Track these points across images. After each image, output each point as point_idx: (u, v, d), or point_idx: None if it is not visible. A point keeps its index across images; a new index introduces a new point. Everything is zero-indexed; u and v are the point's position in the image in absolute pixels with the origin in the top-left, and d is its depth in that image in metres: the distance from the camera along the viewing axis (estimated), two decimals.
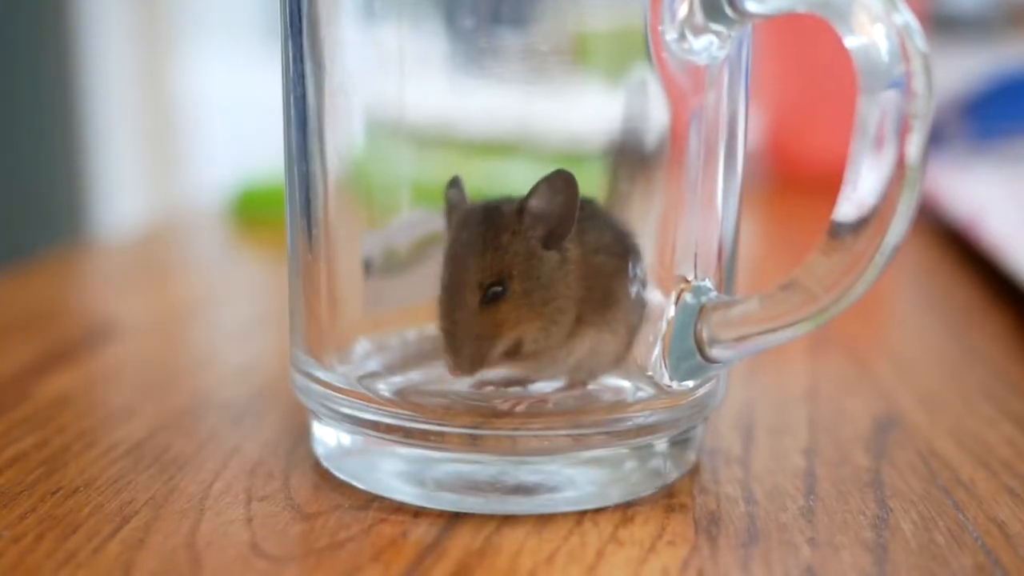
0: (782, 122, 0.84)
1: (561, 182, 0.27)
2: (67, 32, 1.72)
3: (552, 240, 0.27)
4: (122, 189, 1.82)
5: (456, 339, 0.28)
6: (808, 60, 0.80)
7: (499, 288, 0.27)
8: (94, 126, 1.77)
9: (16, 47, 1.66)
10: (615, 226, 0.29)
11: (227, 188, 0.72)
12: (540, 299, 0.27)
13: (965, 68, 0.86)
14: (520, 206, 0.27)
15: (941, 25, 1.08)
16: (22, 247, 0.92)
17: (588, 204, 0.28)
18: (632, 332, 0.29)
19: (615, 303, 0.28)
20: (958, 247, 0.60)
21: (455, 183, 0.28)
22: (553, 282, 0.27)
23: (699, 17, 0.27)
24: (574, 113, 0.28)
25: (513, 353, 0.28)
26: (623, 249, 0.28)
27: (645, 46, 0.27)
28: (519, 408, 0.28)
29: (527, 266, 0.27)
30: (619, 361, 0.29)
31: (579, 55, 0.28)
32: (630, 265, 0.28)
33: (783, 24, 0.77)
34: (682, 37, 0.27)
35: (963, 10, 1.38)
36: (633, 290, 0.29)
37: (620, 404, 0.29)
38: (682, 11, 0.27)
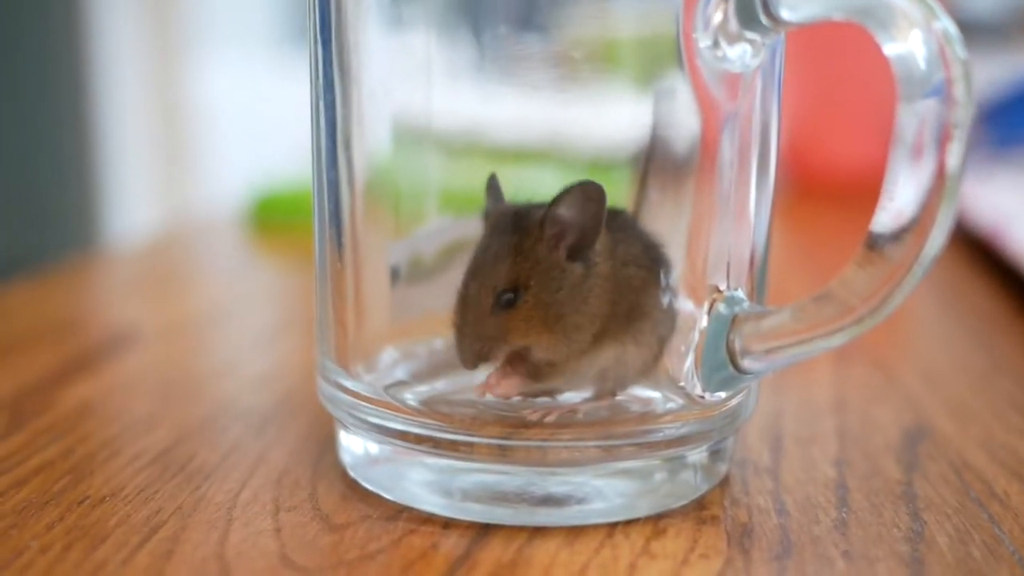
0: (801, 129, 0.84)
1: (589, 192, 0.27)
2: (80, 41, 1.73)
3: (577, 251, 0.27)
4: (136, 196, 1.82)
5: (463, 335, 0.28)
6: (827, 67, 0.80)
7: (511, 295, 0.27)
8: (108, 133, 1.77)
9: (29, 56, 1.67)
10: (644, 237, 0.28)
11: (243, 194, 0.72)
12: (554, 314, 0.27)
13: (983, 74, 0.86)
14: (545, 214, 0.27)
15: (960, 30, 1.08)
16: (37, 255, 0.92)
17: (617, 215, 0.28)
18: (661, 343, 0.28)
19: (642, 315, 0.28)
20: (982, 256, 0.60)
21: (492, 182, 0.28)
22: (571, 297, 0.27)
23: (733, 25, 0.26)
24: (604, 120, 0.28)
25: (524, 360, 0.28)
26: (652, 261, 0.28)
27: (676, 53, 0.27)
28: (549, 419, 0.27)
29: (545, 278, 0.27)
30: (647, 372, 0.29)
31: (609, 62, 0.27)
32: (659, 277, 0.28)
33: (805, 31, 0.77)
34: (716, 45, 0.27)
35: (979, 15, 1.38)
36: (663, 302, 0.28)
37: (650, 415, 0.28)
38: (716, 18, 0.26)
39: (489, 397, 0.29)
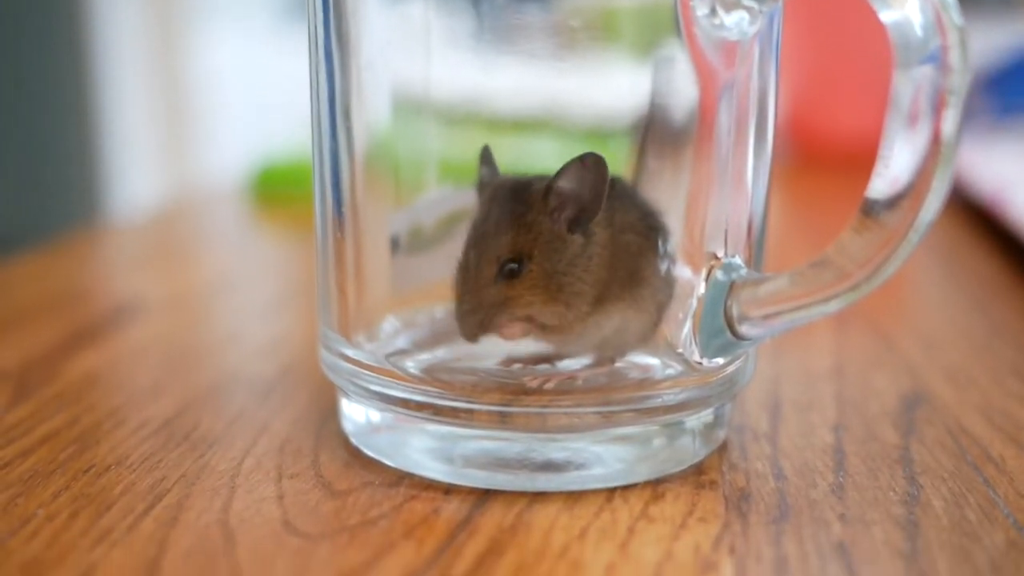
0: (803, 98, 0.83)
1: (590, 164, 0.27)
2: (81, 14, 1.72)
3: (578, 222, 0.27)
4: (140, 169, 1.82)
5: (464, 305, 0.28)
6: (829, 36, 0.80)
7: (515, 266, 0.27)
8: (111, 106, 1.77)
9: (31, 30, 1.67)
10: (642, 204, 0.29)
11: (245, 166, 0.72)
12: (556, 284, 0.27)
13: (986, 42, 0.86)
14: (548, 186, 0.27)
15: None
16: (41, 228, 0.92)
17: (615, 183, 0.28)
18: (660, 309, 0.29)
19: (642, 281, 0.28)
20: (982, 222, 0.60)
21: (486, 154, 0.28)
22: (572, 267, 0.27)
23: None
24: (602, 89, 0.28)
25: (530, 321, 0.28)
26: (650, 227, 0.28)
27: (673, 21, 0.27)
28: (548, 386, 0.28)
29: (548, 249, 0.27)
30: (646, 338, 0.29)
31: (607, 31, 0.27)
32: (658, 243, 0.28)
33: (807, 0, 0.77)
34: (713, 12, 0.27)
35: None
36: (661, 268, 0.29)
37: (649, 381, 0.29)
38: None
39: (489, 364, 0.29)
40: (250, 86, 1.85)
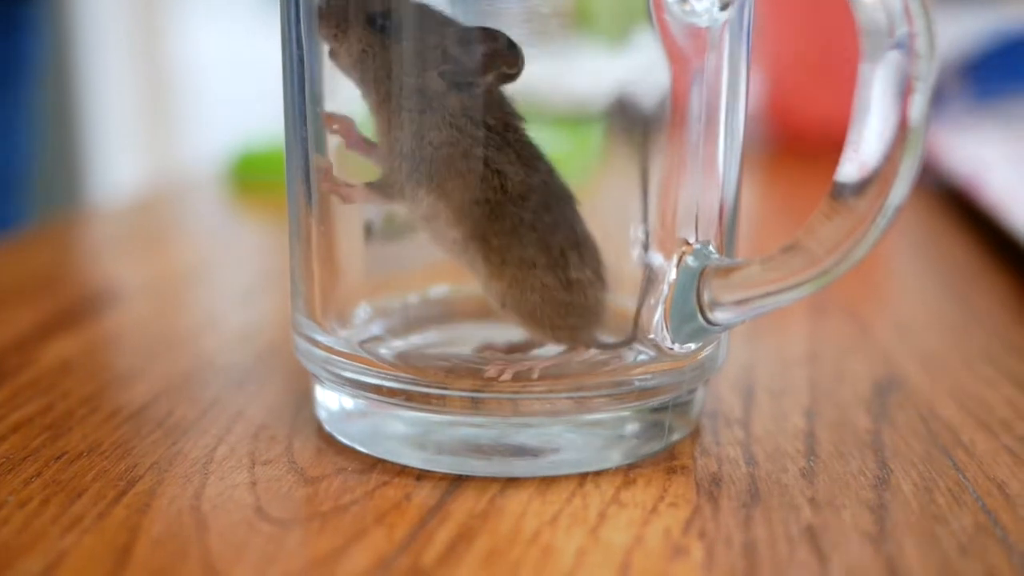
0: (781, 85, 0.84)
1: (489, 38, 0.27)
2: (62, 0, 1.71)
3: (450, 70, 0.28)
4: (118, 154, 1.81)
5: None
6: (807, 23, 0.80)
7: (383, 23, 0.27)
8: (89, 92, 1.76)
9: (7, 13, 1.65)
10: (566, 219, 0.29)
11: (224, 152, 0.72)
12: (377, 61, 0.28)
13: (964, 27, 0.86)
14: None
15: None
16: (19, 214, 0.91)
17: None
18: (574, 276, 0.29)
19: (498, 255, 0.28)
20: (958, 207, 0.60)
21: None
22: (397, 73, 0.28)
23: None
24: (574, 75, 0.28)
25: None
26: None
27: (645, 7, 0.27)
28: (504, 377, 0.28)
29: (411, 47, 0.27)
30: (569, 308, 0.29)
31: (579, 17, 0.28)
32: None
33: None
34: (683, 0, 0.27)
35: None
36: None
37: (621, 367, 0.29)
38: None
39: (462, 350, 0.29)
40: (231, 72, 1.84)
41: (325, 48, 0.28)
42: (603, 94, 0.29)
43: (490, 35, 0.27)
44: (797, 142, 0.83)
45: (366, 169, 0.29)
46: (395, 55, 0.27)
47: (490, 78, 0.27)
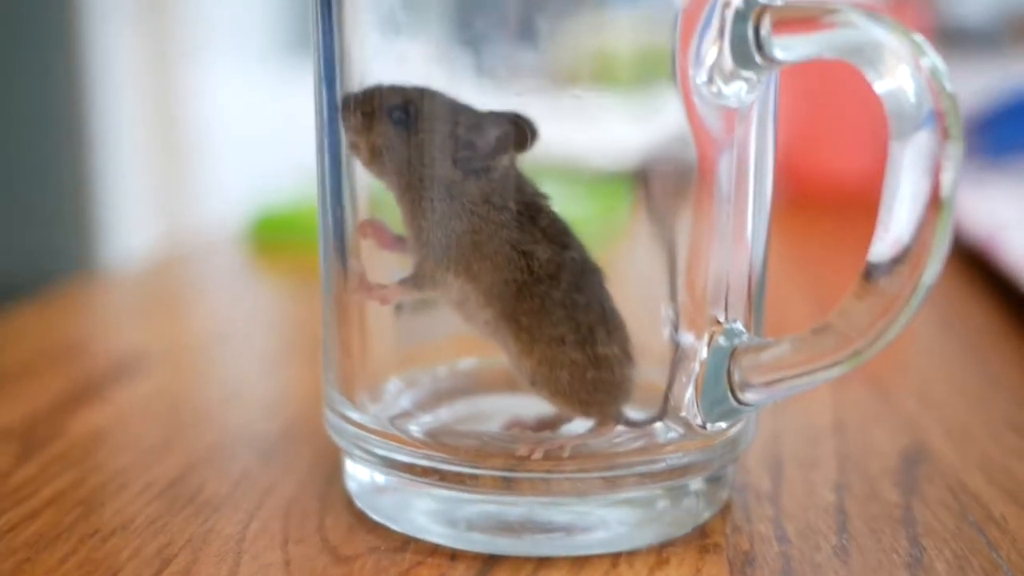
0: (794, 141, 0.84)
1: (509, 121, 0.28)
2: (76, 57, 1.73)
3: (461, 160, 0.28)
4: (135, 214, 1.82)
5: (364, 97, 0.28)
6: (821, 79, 0.80)
7: (402, 115, 0.28)
8: (105, 151, 1.77)
9: (24, 70, 1.67)
10: (594, 294, 0.29)
11: (243, 213, 0.72)
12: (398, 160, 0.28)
13: (974, 83, 0.86)
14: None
15: (947, 38, 1.08)
16: (36, 276, 0.92)
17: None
18: (597, 350, 0.29)
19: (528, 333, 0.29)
20: (975, 267, 0.60)
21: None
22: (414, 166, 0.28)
23: (728, 63, 0.27)
24: (602, 141, 0.28)
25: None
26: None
27: (671, 76, 0.28)
28: (535, 455, 0.28)
29: (431, 134, 0.28)
30: (597, 384, 0.29)
31: (606, 82, 0.28)
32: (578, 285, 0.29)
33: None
34: (711, 81, 0.27)
35: (969, 23, 1.38)
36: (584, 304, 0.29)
37: (651, 446, 0.29)
38: (711, 56, 0.27)
39: (491, 427, 0.30)
40: (248, 127, 1.85)
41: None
42: (630, 165, 0.29)
43: (500, 118, 0.27)
44: (807, 196, 0.83)
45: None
46: (412, 146, 0.28)
47: (505, 160, 0.28)
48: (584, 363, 0.29)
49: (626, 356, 0.29)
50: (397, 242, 0.29)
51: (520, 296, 0.28)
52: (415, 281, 0.29)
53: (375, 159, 0.28)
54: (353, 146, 0.29)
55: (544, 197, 0.29)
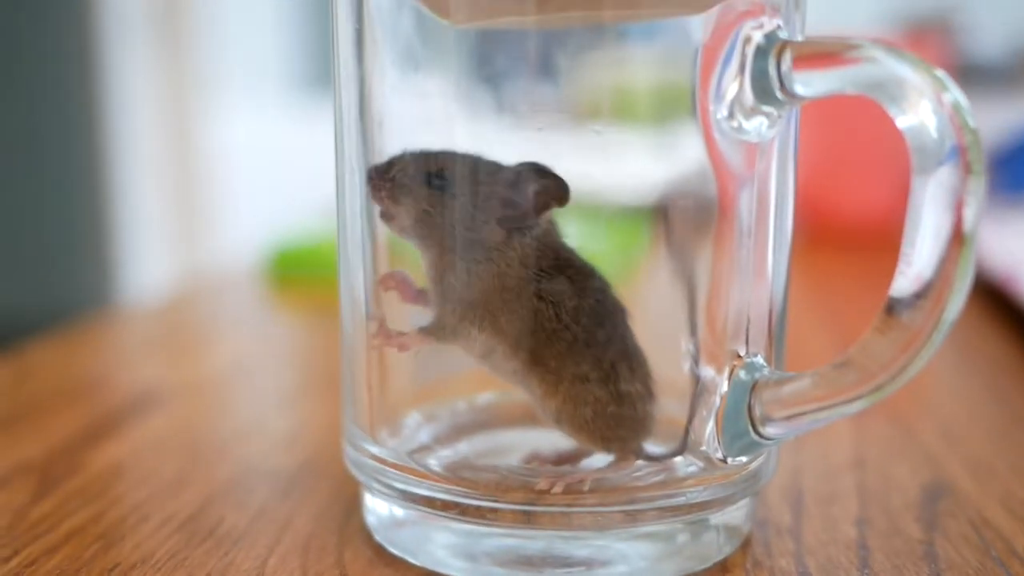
0: (811, 175, 0.84)
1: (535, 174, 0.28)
2: (95, 94, 1.74)
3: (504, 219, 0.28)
4: (152, 251, 1.83)
5: (393, 164, 0.28)
6: (839, 114, 0.80)
7: (441, 181, 0.28)
8: (123, 187, 1.79)
9: (43, 109, 1.68)
10: (616, 332, 0.29)
11: (260, 247, 0.72)
12: (437, 230, 0.28)
13: (992, 119, 0.86)
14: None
15: (967, 75, 1.09)
16: (53, 312, 0.92)
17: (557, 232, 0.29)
18: (622, 388, 0.29)
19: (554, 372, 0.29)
20: (996, 304, 0.60)
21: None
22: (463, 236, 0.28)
23: (749, 98, 0.27)
24: (622, 176, 0.28)
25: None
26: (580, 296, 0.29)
27: (691, 112, 0.28)
28: (556, 489, 0.28)
29: (467, 199, 0.28)
30: (620, 420, 0.29)
31: (625, 118, 0.28)
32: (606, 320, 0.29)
33: None
34: (731, 116, 0.27)
35: (987, 59, 1.38)
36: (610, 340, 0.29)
37: (672, 480, 0.29)
38: (731, 91, 0.27)
39: (511, 460, 0.29)
40: (265, 162, 1.86)
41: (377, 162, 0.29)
42: (650, 200, 0.29)
43: (538, 171, 0.28)
44: (828, 232, 0.83)
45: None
46: (454, 211, 0.28)
47: (548, 215, 0.28)
48: (607, 399, 0.29)
49: (648, 392, 0.29)
50: (419, 295, 0.29)
51: (547, 342, 0.28)
52: (436, 332, 0.29)
53: (414, 227, 0.28)
54: (387, 216, 0.29)
55: (568, 245, 0.29)
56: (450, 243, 0.28)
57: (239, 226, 1.80)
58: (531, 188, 0.28)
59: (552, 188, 0.28)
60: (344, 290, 0.30)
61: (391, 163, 0.28)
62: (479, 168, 0.28)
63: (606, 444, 0.29)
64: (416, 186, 0.28)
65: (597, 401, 0.28)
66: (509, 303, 0.28)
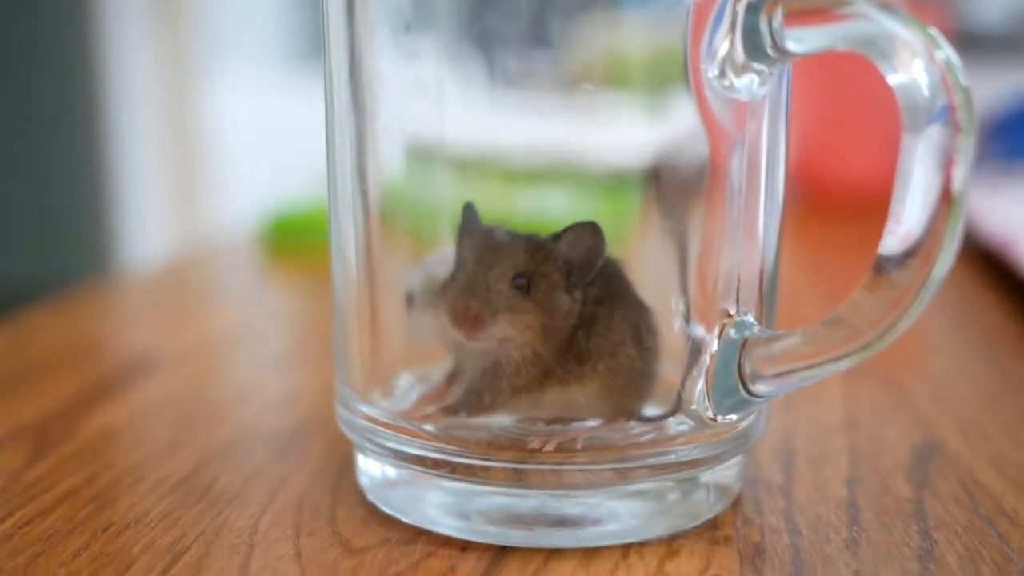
0: (809, 141, 0.84)
1: (590, 232, 0.28)
2: (92, 64, 1.74)
3: (568, 284, 0.28)
4: (150, 218, 1.83)
5: (467, 300, 0.27)
6: (835, 80, 0.80)
7: (524, 282, 0.28)
8: (121, 156, 1.78)
9: (41, 80, 1.68)
10: (627, 294, 0.29)
11: (257, 215, 0.72)
12: (545, 322, 0.28)
13: (991, 87, 0.86)
14: (556, 235, 0.28)
15: (966, 42, 1.08)
16: (52, 279, 0.92)
17: (611, 264, 0.29)
18: (617, 385, 0.29)
19: (589, 359, 0.29)
20: (991, 268, 0.60)
21: (469, 209, 0.29)
22: (558, 318, 0.28)
23: (740, 56, 0.27)
24: (614, 141, 0.28)
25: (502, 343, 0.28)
26: (620, 302, 0.29)
27: (683, 73, 0.28)
28: (548, 447, 0.28)
29: (549, 283, 0.28)
30: (606, 407, 0.29)
31: (617, 80, 0.28)
32: (624, 320, 0.29)
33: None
34: (723, 74, 0.27)
35: (988, 27, 1.38)
36: (629, 355, 0.29)
37: (662, 438, 0.29)
38: (723, 49, 0.27)
39: (502, 421, 0.30)
40: (262, 133, 1.86)
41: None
42: (640, 161, 0.29)
43: (586, 229, 0.28)
44: (824, 198, 0.83)
45: None
46: (550, 300, 0.28)
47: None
48: (636, 357, 0.29)
49: (657, 349, 0.29)
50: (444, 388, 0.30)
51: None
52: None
53: (530, 333, 0.28)
54: (474, 337, 0.28)
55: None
56: (550, 325, 0.28)
57: (236, 194, 1.79)
58: (581, 245, 0.28)
59: (600, 244, 0.28)
60: (335, 251, 0.30)
61: (474, 288, 0.28)
62: (548, 249, 0.28)
63: (627, 404, 0.29)
64: (510, 301, 0.28)
65: (631, 360, 0.29)
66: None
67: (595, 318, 0.28)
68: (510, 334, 0.28)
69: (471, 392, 0.29)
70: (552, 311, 0.28)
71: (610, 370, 0.29)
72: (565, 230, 0.28)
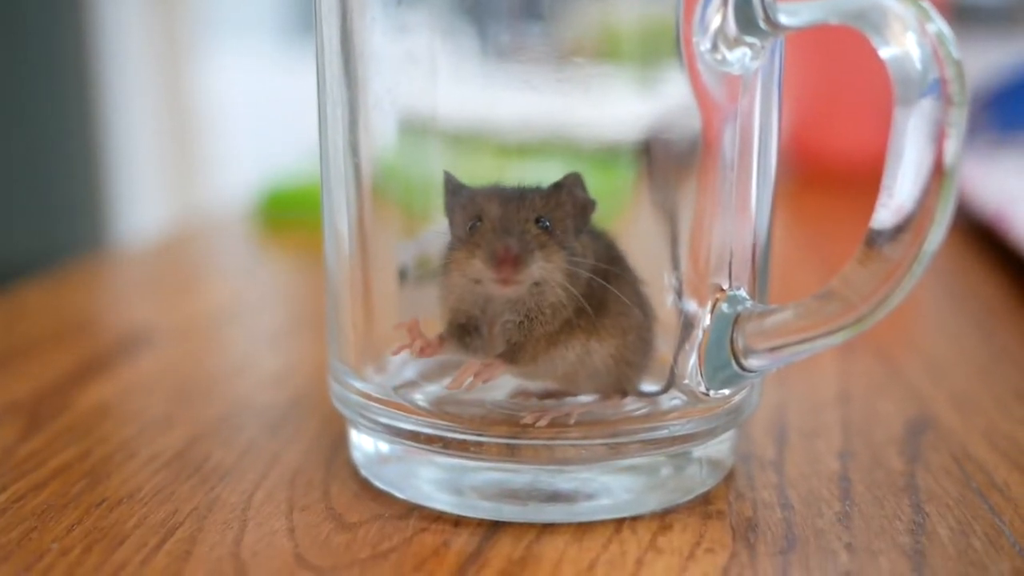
0: (803, 116, 0.84)
1: (581, 181, 0.28)
2: (86, 38, 1.73)
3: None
4: (145, 193, 1.82)
5: (506, 241, 0.27)
6: (829, 54, 0.80)
7: (547, 224, 0.28)
8: (115, 131, 1.78)
9: (35, 54, 1.67)
10: (611, 249, 0.29)
11: (251, 190, 0.72)
12: (566, 260, 0.28)
13: (987, 59, 0.86)
14: (564, 183, 0.28)
15: (962, 15, 1.08)
16: (47, 255, 0.92)
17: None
18: (635, 346, 0.29)
19: (607, 313, 0.29)
20: (985, 242, 0.60)
21: (448, 177, 0.29)
22: (573, 259, 0.28)
23: (732, 29, 0.27)
24: (607, 116, 0.28)
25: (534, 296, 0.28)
26: (617, 270, 0.29)
27: (676, 47, 0.27)
28: (541, 423, 0.28)
29: (564, 226, 0.28)
30: (616, 374, 0.29)
31: (610, 54, 0.28)
32: (628, 280, 0.29)
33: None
34: (715, 48, 0.27)
35: (983, 0, 1.37)
36: (632, 308, 0.29)
37: (655, 413, 0.29)
38: (715, 22, 0.27)
39: (496, 396, 0.30)
40: (257, 107, 1.85)
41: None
42: (632, 134, 0.29)
43: (578, 178, 0.28)
44: (818, 174, 0.83)
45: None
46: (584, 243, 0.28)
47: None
48: (642, 323, 0.29)
49: (654, 317, 0.29)
50: (436, 345, 0.29)
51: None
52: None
53: (559, 275, 0.28)
54: (527, 278, 0.27)
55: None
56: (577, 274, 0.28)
57: (230, 169, 1.79)
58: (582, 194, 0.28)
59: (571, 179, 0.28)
60: (327, 226, 0.30)
61: (517, 233, 0.27)
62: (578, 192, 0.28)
63: (626, 375, 0.29)
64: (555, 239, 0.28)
65: (639, 327, 0.29)
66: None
67: (606, 275, 0.28)
68: (545, 274, 0.27)
69: (514, 345, 0.28)
70: (572, 252, 0.28)
71: (622, 329, 0.29)
72: (563, 179, 0.28)
